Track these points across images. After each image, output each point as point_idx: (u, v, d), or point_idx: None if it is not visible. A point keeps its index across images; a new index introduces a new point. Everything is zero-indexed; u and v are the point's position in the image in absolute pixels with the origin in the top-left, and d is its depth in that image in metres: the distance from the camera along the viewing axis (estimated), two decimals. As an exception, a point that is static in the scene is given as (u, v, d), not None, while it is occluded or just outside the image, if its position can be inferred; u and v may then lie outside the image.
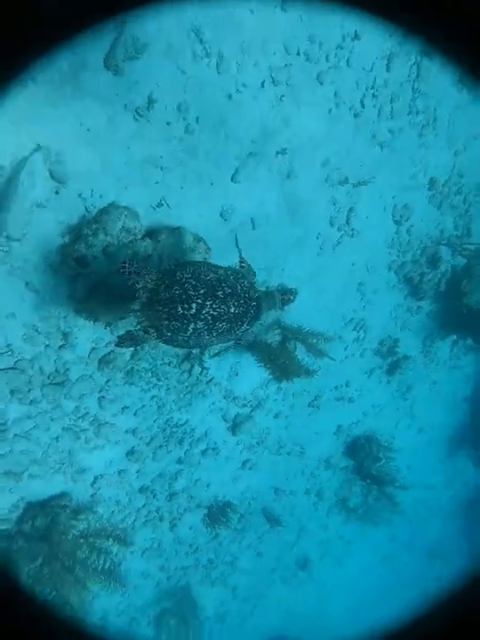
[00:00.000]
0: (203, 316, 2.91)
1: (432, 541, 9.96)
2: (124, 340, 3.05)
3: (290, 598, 8.22)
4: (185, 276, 2.90)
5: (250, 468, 6.04)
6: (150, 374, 4.48)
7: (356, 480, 7.53)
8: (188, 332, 2.95)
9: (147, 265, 2.94)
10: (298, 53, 3.82)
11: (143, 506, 5.26)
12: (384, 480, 7.45)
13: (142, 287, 2.88)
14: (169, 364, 4.54)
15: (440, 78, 4.71)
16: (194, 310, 2.89)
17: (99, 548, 4.25)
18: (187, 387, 4.78)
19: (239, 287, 3.07)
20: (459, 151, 5.38)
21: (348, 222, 4.99)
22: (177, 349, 4.50)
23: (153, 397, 4.65)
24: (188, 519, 5.81)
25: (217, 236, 4.13)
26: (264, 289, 4.56)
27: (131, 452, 4.82)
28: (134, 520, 5.27)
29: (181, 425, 5.02)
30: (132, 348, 4.25)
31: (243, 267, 3.39)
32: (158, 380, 4.55)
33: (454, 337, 7.16)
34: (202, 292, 2.90)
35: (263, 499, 6.55)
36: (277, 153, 4.15)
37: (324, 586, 8.68)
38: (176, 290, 2.88)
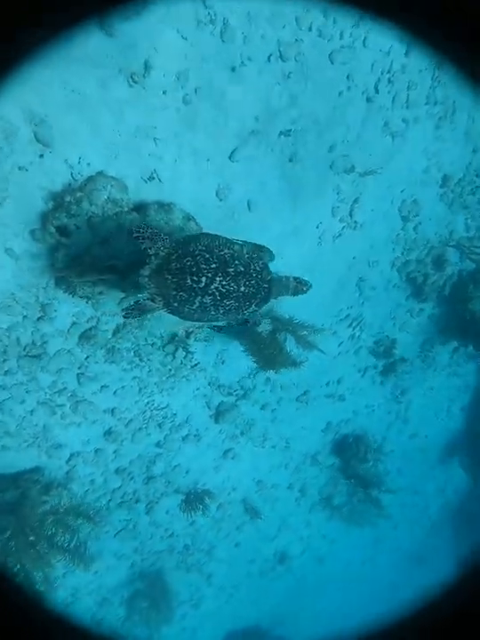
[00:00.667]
0: (211, 291, 2.86)
1: (418, 547, 9.86)
2: (133, 310, 3.01)
3: (267, 591, 8.18)
4: (198, 247, 2.85)
5: (232, 458, 5.93)
6: (132, 354, 4.36)
7: (342, 479, 7.42)
8: (195, 305, 2.91)
9: (161, 233, 2.89)
10: (310, 28, 3.59)
11: (119, 487, 5.19)
12: (370, 482, 7.33)
13: (154, 254, 2.85)
14: (152, 346, 4.41)
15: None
16: (203, 284, 2.84)
17: (66, 525, 4.18)
18: (170, 370, 4.66)
19: (252, 267, 2.99)
20: (477, 148, 5.12)
21: (351, 214, 4.78)
22: (161, 331, 4.37)
23: (134, 378, 4.53)
24: (165, 503, 5.73)
25: (210, 215, 3.96)
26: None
27: (108, 432, 4.72)
28: (109, 500, 5.20)
29: (162, 408, 4.91)
30: (120, 324, 4.14)
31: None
32: (140, 360, 4.43)
33: (455, 343, 6.94)
34: (213, 266, 2.84)
35: (244, 490, 6.46)
36: (281, 133, 3.94)
37: (303, 582, 8.63)
38: (188, 261, 2.83)
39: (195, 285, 2.85)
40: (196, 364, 4.82)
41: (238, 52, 3.42)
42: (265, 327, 4.73)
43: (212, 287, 2.86)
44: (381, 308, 5.81)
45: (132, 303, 3.06)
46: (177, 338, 4.47)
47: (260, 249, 3.19)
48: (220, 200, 3.99)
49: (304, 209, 4.48)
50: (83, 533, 4.43)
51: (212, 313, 2.98)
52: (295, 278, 3.40)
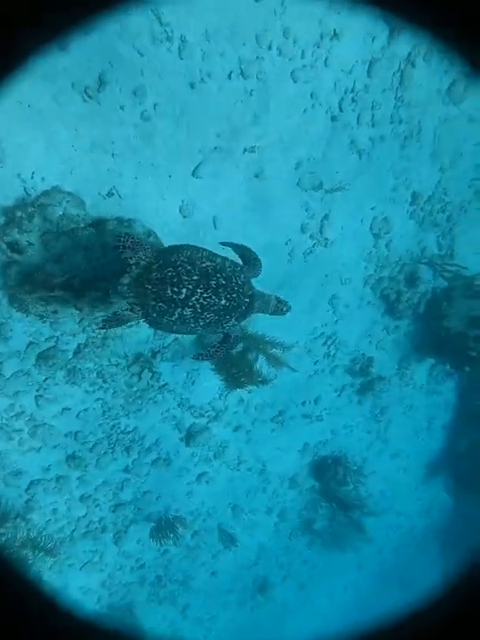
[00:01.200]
0: (191, 303, 2.83)
1: (404, 571, 9.60)
2: (110, 321, 2.96)
3: (246, 622, 7.84)
4: (180, 258, 2.82)
5: (206, 482, 5.72)
6: (95, 375, 4.20)
7: (323, 502, 7.22)
8: (174, 317, 2.87)
9: (142, 242, 2.89)
10: (270, 47, 3.60)
11: (84, 516, 4.93)
12: (351, 505, 7.14)
13: (135, 263, 2.82)
14: (117, 366, 4.25)
15: (425, 89, 4.51)
16: (183, 295, 2.81)
17: (22, 560, 3.92)
18: (136, 391, 4.49)
19: (234, 280, 2.95)
20: (444, 167, 5.16)
21: (321, 231, 4.75)
22: (126, 350, 4.22)
23: (98, 400, 4.35)
24: (134, 532, 5.47)
25: (175, 232, 3.88)
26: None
27: (71, 457, 4.50)
28: (73, 531, 4.93)
29: (129, 432, 4.72)
30: (81, 344, 3.99)
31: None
32: (104, 381, 4.26)
33: (432, 360, 6.90)
34: (195, 278, 2.81)
35: (220, 515, 6.22)
36: (245, 150, 3.91)
37: (284, 611, 8.30)
38: (169, 271, 2.80)
39: (175, 296, 2.81)
40: (163, 385, 4.67)
41: (197, 68, 3.41)
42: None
43: (193, 299, 2.83)
44: (356, 325, 5.74)
45: (109, 314, 3.00)
46: (142, 358, 4.33)
47: (253, 261, 3.19)
48: (185, 217, 3.92)
49: (272, 226, 4.43)
50: (41, 568, 4.16)
51: (191, 325, 2.93)
52: (277, 297, 3.37)
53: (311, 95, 4.00)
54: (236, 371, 4.30)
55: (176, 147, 3.60)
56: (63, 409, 4.23)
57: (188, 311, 2.85)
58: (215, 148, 3.77)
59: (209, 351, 3.36)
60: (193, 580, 6.62)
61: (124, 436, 4.72)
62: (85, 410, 4.34)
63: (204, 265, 2.85)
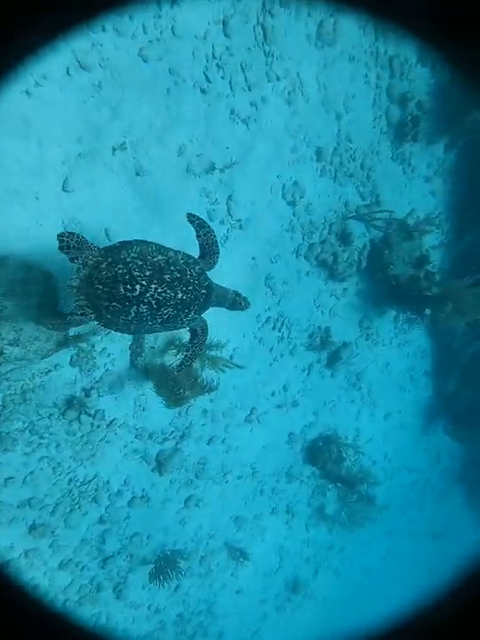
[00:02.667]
0: (146, 300, 2.73)
1: (433, 523, 9.46)
2: (61, 325, 2.83)
3: (291, 625, 7.52)
4: (131, 254, 2.72)
5: (196, 505, 5.35)
6: (28, 434, 3.78)
7: (328, 485, 6.94)
8: (131, 316, 2.75)
9: (87, 240, 2.78)
10: (103, 29, 3.25)
11: (70, 583, 4.51)
12: (354, 479, 6.87)
13: (82, 263, 2.68)
14: (49, 417, 3.84)
15: (293, 37, 4.23)
16: (137, 292, 2.69)
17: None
18: (82, 437, 4.09)
19: (189, 272, 2.88)
20: (340, 114, 4.90)
21: (230, 213, 4.42)
22: (53, 398, 3.81)
23: (42, 459, 3.93)
24: (135, 580, 5.07)
25: (63, 258, 3.48)
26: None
27: (33, 527, 4.07)
28: (65, 602, 4.50)
29: (90, 480, 4.31)
30: None
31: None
32: (41, 437, 3.85)
33: (394, 312, 6.68)
34: (148, 273, 2.71)
35: (223, 533, 5.86)
36: (114, 149, 3.55)
37: (327, 602, 8.01)
38: (120, 268, 2.68)
39: (129, 294, 2.68)
40: (111, 421, 4.27)
41: (27, 72, 3.02)
42: (172, 359, 4.26)
43: (148, 295, 2.71)
44: (301, 300, 5.44)
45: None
46: (75, 400, 3.92)
47: (211, 254, 3.24)
48: (71, 237, 3.52)
49: (174, 222, 4.07)
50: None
51: (150, 323, 2.83)
52: (235, 291, 3.32)
53: (170, 71, 3.66)
54: (178, 387, 3.93)
55: (32, 164, 3.20)
56: (5, 480, 3.80)
57: (144, 308, 2.74)
58: (79, 154, 3.39)
59: (186, 356, 3.32)
60: (218, 606, 6.26)
61: (87, 487, 4.31)
62: (31, 473, 3.91)
63: (155, 259, 2.73)
